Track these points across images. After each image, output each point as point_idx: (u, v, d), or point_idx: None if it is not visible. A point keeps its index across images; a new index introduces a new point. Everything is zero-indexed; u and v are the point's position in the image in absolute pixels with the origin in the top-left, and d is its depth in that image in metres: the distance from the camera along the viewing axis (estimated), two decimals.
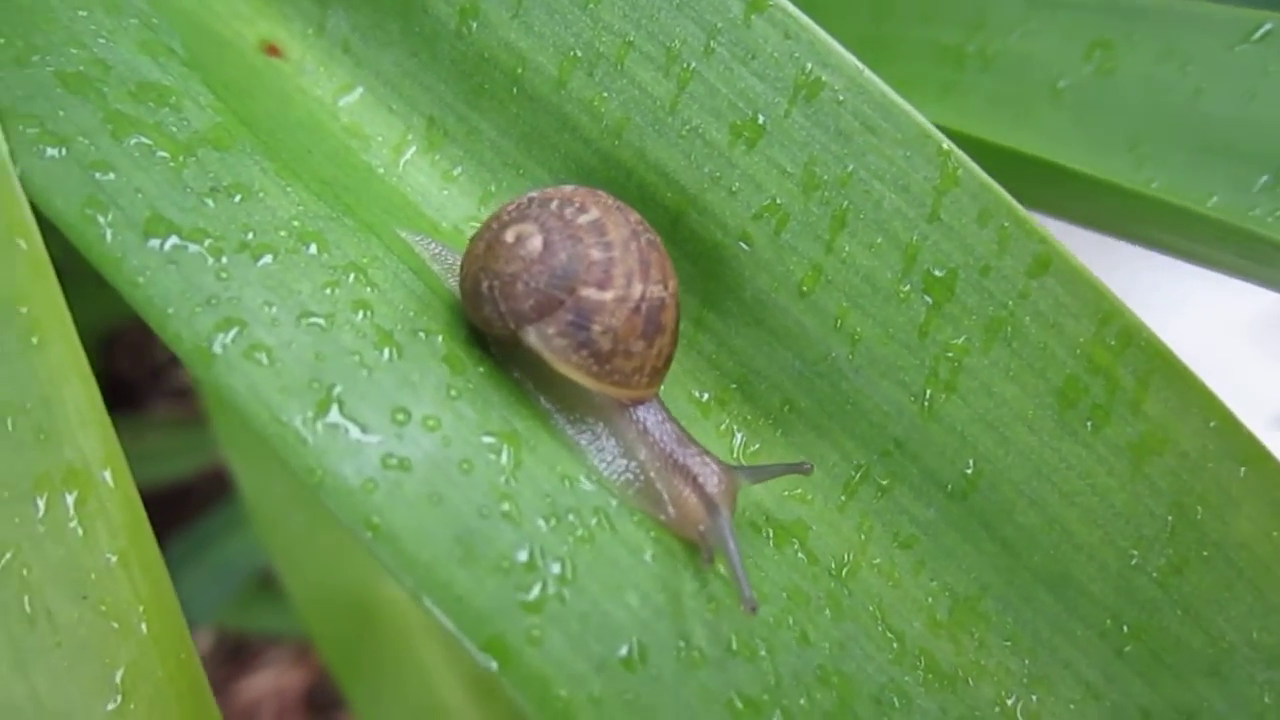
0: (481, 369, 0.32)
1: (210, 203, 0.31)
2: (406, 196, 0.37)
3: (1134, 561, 0.34)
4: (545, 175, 0.37)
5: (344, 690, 0.63)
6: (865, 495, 0.35)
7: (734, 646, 0.30)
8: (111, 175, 0.30)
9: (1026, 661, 0.35)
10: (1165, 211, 0.37)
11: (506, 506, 0.28)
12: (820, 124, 0.34)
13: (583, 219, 0.31)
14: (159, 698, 0.29)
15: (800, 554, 0.34)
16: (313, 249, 0.31)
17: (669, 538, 0.31)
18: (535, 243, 0.31)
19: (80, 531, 0.29)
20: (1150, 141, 0.38)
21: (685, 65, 0.35)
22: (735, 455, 0.36)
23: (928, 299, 0.34)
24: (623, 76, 0.36)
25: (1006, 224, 0.34)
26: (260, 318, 0.29)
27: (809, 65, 0.34)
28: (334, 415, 0.28)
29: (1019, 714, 0.34)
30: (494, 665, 0.26)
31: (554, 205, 0.32)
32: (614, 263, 0.31)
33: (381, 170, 0.38)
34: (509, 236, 0.31)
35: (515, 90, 0.37)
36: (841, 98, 0.34)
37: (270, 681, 1.02)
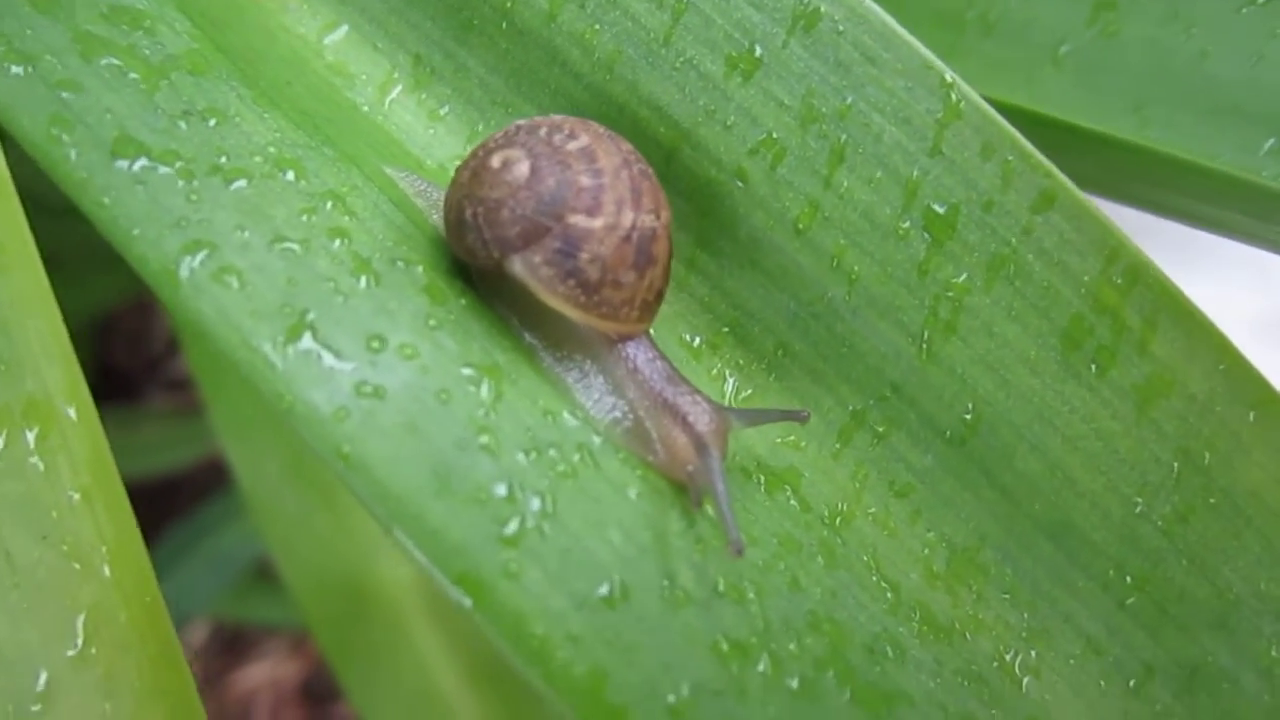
0: (463, 301, 0.30)
1: (183, 125, 0.30)
2: (391, 135, 0.36)
3: (1138, 509, 0.33)
4: (535, 112, 0.36)
5: (339, 675, 0.62)
6: (861, 442, 0.34)
7: (721, 589, 0.29)
8: (79, 95, 0.29)
9: (1026, 615, 0.33)
10: (1169, 167, 0.36)
11: (485, 439, 0.27)
12: (819, 55, 0.33)
13: (572, 145, 0.30)
14: (122, 643, 0.28)
15: (793, 501, 0.33)
16: (289, 175, 0.30)
17: (655, 476, 0.30)
18: (522, 168, 0.30)
19: (41, 467, 0.28)
20: (1155, 105, 0.37)
21: None
22: (728, 401, 0.35)
23: (928, 236, 0.33)
24: (615, 8, 0.34)
25: (1011, 158, 0.32)
26: (231, 241, 0.28)
27: None
28: (306, 341, 0.27)
29: (1017, 668, 0.33)
30: (468, 601, 0.25)
31: (542, 132, 0.31)
32: (604, 189, 0.30)
33: (366, 109, 0.37)
34: (495, 162, 0.30)
35: (504, 25, 0.36)
36: (841, 28, 0.33)
37: (266, 672, 1.01)
